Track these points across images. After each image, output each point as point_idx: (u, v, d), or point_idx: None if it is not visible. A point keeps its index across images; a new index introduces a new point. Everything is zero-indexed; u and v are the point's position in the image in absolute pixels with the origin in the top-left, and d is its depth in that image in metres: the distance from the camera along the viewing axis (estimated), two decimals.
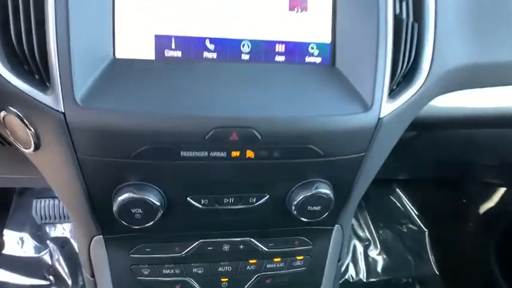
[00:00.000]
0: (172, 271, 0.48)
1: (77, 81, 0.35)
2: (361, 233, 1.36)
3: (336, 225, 0.51)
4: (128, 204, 0.39)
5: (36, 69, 0.36)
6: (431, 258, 1.35)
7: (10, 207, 1.24)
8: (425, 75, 0.45)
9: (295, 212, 0.44)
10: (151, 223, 0.41)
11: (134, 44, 0.40)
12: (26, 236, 1.20)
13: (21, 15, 0.36)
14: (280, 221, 0.47)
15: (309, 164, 0.42)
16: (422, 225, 1.39)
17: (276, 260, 0.51)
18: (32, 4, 0.35)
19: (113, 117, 0.36)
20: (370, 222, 1.38)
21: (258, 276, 0.51)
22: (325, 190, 0.43)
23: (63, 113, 0.35)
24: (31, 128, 0.38)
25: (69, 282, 1.17)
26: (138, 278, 0.48)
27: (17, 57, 0.37)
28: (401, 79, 0.45)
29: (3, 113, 0.38)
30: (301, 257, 0.51)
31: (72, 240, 1.21)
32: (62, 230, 1.23)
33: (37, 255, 1.19)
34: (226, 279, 0.50)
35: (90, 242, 0.46)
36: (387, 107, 0.42)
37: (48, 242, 1.21)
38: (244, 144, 0.39)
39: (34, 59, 0.36)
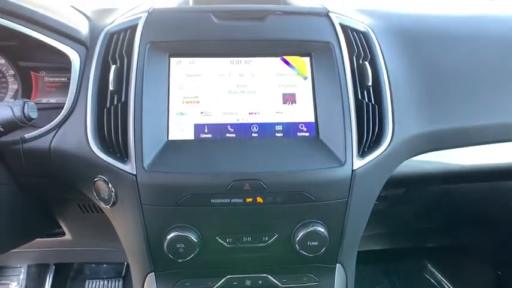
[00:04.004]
0: None
1: (145, 156, 0.55)
2: None
3: (338, 265, 0.62)
4: (174, 241, 0.55)
5: (118, 150, 0.57)
6: None
7: None
8: (388, 141, 0.61)
9: (297, 247, 0.57)
10: (191, 256, 0.55)
11: (180, 130, 0.61)
12: None
13: (112, 120, 0.58)
14: (289, 258, 0.59)
15: (305, 207, 0.57)
16: None
17: None
18: (120, 114, 0.58)
19: (166, 176, 0.54)
20: None
21: None
22: (320, 228, 0.57)
23: (135, 175, 0.54)
24: (112, 189, 0.57)
25: None
26: None
27: (106, 143, 0.58)
28: (371, 144, 0.61)
29: (95, 179, 0.58)
30: None
31: None
32: None
33: None
34: None
35: (145, 279, 0.61)
36: (358, 163, 0.58)
37: None
38: (254, 192, 0.55)
39: (118, 144, 0.57)
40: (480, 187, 0.87)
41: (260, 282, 0.61)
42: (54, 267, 1.43)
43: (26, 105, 0.52)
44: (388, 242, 1.23)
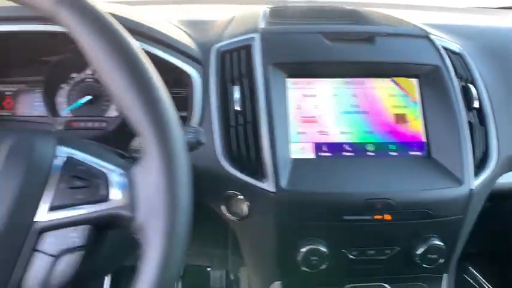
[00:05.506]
0: None
1: (281, 174, 0.59)
2: None
3: (444, 274, 0.67)
4: (309, 253, 0.59)
5: (252, 168, 0.60)
6: None
7: None
8: (496, 160, 0.65)
9: (418, 260, 0.61)
10: (322, 267, 0.59)
11: (301, 149, 0.64)
12: None
13: (243, 140, 0.61)
14: (406, 269, 0.64)
15: (425, 223, 0.61)
16: None
17: None
18: (251, 134, 0.61)
19: (305, 195, 0.58)
20: None
21: None
22: (439, 242, 0.61)
23: (274, 193, 0.58)
24: (247, 204, 0.60)
25: None
26: None
27: (237, 161, 0.61)
28: (479, 163, 0.65)
29: (226, 194, 0.62)
30: None
31: None
32: None
33: None
34: None
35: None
36: (474, 182, 0.62)
37: None
38: (383, 210, 0.59)
39: (251, 163, 0.60)
40: None
41: None
42: None
43: (198, 132, 0.55)
44: None
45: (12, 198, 0.36)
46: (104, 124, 0.79)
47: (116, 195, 0.38)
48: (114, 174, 0.39)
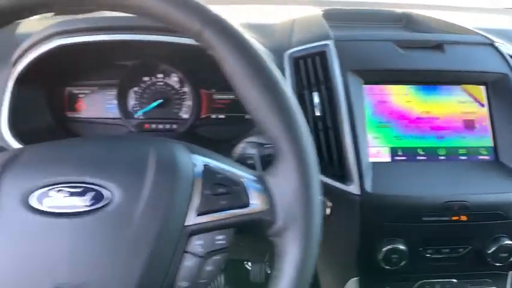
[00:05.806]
0: None
1: (365, 178, 0.62)
2: None
3: (510, 272, 0.71)
4: (390, 252, 0.63)
5: (336, 172, 0.63)
6: None
7: None
8: None
9: (489, 258, 0.65)
10: (401, 264, 0.63)
11: (377, 152, 0.67)
12: None
13: (324, 145, 0.64)
14: (477, 266, 0.67)
15: (497, 224, 0.64)
16: None
17: None
18: (333, 139, 0.64)
19: (388, 198, 0.62)
20: None
21: None
22: (510, 241, 0.65)
23: (359, 195, 0.61)
24: (330, 204, 0.64)
25: None
26: None
27: (322, 166, 0.64)
28: None
29: None
30: None
31: None
32: None
33: None
34: None
35: (344, 284, 0.68)
36: None
37: None
38: (460, 211, 0.62)
39: (334, 167, 0.63)
40: None
41: (447, 286, 0.69)
42: None
43: None
44: None
45: (165, 204, 0.40)
46: (174, 126, 0.82)
47: (255, 200, 0.41)
48: (250, 181, 0.42)
